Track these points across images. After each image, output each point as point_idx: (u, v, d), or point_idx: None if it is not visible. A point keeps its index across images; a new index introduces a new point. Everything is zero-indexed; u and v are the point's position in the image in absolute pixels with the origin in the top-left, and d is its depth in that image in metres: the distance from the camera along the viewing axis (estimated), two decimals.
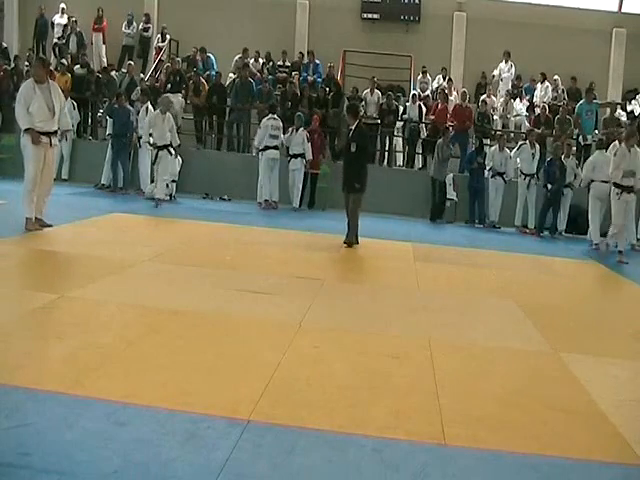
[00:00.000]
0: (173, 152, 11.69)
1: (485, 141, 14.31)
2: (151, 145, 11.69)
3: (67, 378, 3.65)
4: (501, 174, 12.69)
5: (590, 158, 12.01)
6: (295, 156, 12.92)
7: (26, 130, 7.93)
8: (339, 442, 3.21)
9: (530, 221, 12.55)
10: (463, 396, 3.95)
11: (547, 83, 16.31)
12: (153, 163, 11.77)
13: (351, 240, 8.88)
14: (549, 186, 12.02)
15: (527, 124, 15.42)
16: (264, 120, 13.01)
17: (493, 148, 12.97)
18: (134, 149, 13.11)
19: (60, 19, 17.55)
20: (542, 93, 16.25)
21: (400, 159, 15.31)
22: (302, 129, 12.96)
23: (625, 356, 5.13)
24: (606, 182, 10.78)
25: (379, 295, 6.53)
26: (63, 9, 17.53)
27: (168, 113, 11.72)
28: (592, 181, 11.37)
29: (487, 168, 12.74)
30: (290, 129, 13.01)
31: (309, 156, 12.81)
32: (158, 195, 11.51)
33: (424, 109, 15.05)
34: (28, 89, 7.97)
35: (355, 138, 8.93)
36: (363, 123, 9.51)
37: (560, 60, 16.72)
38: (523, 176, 12.45)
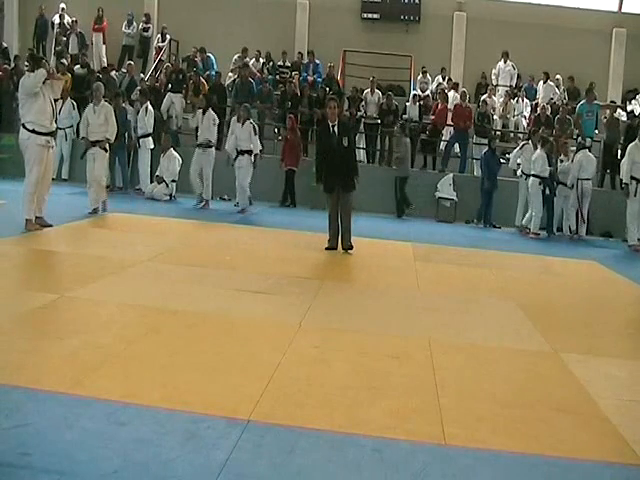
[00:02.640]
0: (108, 149, 9.92)
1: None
2: (82, 139, 10.14)
3: (67, 378, 3.65)
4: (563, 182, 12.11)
5: (577, 157, 12.13)
6: (242, 152, 11.74)
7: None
8: (339, 442, 3.21)
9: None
10: (463, 396, 3.95)
11: (550, 82, 16.29)
12: (81, 158, 10.19)
13: (349, 244, 8.60)
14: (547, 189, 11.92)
15: (524, 124, 15.44)
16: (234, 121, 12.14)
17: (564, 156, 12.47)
18: (133, 149, 13.13)
19: (59, 19, 17.53)
20: (544, 93, 16.22)
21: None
22: (249, 122, 11.83)
23: (625, 356, 5.14)
24: (588, 179, 12.00)
25: (379, 295, 6.52)
26: (63, 9, 17.53)
27: (105, 103, 10.00)
28: (578, 179, 11.96)
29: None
30: (234, 121, 11.97)
31: (256, 150, 11.82)
32: (93, 205, 9.71)
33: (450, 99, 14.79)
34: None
35: (345, 132, 8.65)
36: (353, 119, 9.22)
37: (560, 60, 16.73)
38: (524, 176, 12.42)
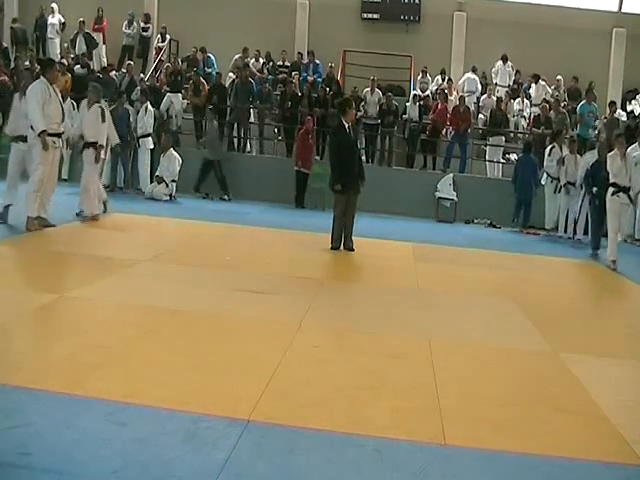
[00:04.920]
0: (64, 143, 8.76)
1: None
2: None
3: (67, 378, 3.65)
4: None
5: (585, 157, 12.05)
6: (87, 145, 9.12)
7: (41, 133, 7.70)
8: (339, 442, 3.21)
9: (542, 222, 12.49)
10: (463, 396, 3.95)
11: (542, 83, 16.27)
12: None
13: (351, 245, 8.61)
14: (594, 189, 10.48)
15: (524, 124, 15.43)
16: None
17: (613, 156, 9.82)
18: (133, 149, 13.13)
19: (52, 19, 17.46)
20: (538, 93, 16.21)
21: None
22: (97, 105, 9.17)
23: (625, 356, 5.14)
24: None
25: (379, 295, 6.52)
26: (52, 9, 17.44)
27: (53, 89, 8.05)
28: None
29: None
30: (84, 104, 9.47)
31: (115, 140, 9.53)
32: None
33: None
34: (43, 90, 7.79)
35: (355, 135, 8.71)
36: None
37: (560, 60, 16.71)
38: (550, 179, 12.35)
